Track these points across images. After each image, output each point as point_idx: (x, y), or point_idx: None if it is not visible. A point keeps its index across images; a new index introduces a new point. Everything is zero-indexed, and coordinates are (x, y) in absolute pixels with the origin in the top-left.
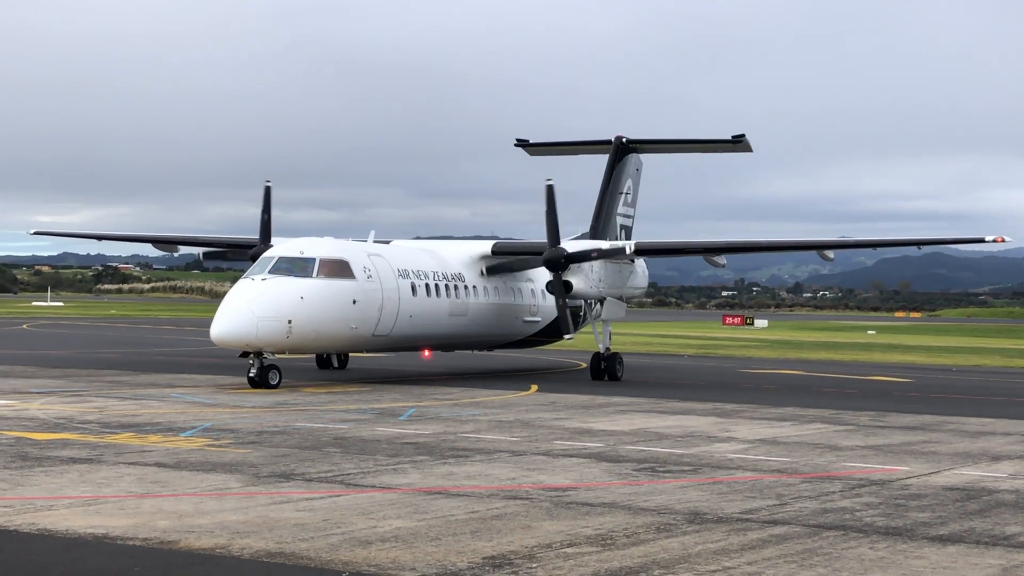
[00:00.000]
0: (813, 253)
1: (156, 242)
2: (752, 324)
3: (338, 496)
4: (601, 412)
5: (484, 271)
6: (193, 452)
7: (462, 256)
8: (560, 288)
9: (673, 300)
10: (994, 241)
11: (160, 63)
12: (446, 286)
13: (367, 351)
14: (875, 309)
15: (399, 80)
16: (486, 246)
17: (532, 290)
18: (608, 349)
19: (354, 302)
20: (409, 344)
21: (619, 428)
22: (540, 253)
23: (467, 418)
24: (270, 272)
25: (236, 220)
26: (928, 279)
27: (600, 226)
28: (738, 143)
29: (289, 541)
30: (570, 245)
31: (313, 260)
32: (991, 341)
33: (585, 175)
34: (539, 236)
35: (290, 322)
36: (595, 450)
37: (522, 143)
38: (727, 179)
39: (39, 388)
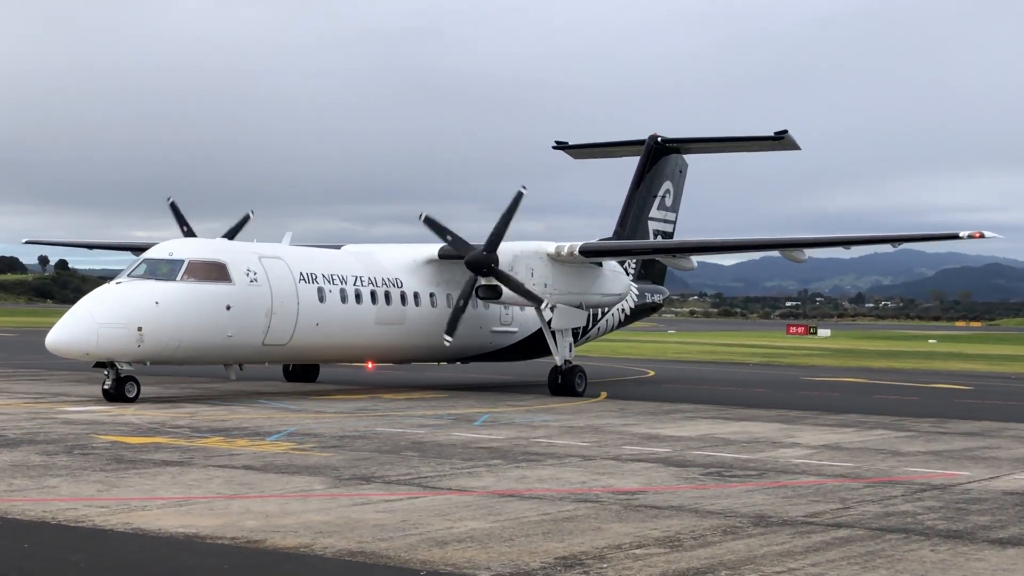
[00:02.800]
0: (877, 264)
1: (136, 250)
2: (815, 333)
3: (416, 498)
4: (668, 418)
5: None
6: (279, 455)
7: (403, 261)
8: (472, 293)
9: (738, 310)
10: (970, 236)
11: (249, 92)
12: (372, 292)
13: (265, 361)
14: (936, 319)
15: (477, 100)
16: (432, 249)
17: None
18: (568, 361)
19: (228, 308)
20: (323, 354)
21: (686, 434)
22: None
23: (539, 424)
24: (130, 275)
25: (323, 233)
26: (988, 290)
27: (626, 230)
28: (780, 139)
29: (369, 541)
30: (503, 248)
31: (181, 262)
32: None
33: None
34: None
35: (140, 329)
36: (663, 455)
37: (561, 145)
38: (785, 190)
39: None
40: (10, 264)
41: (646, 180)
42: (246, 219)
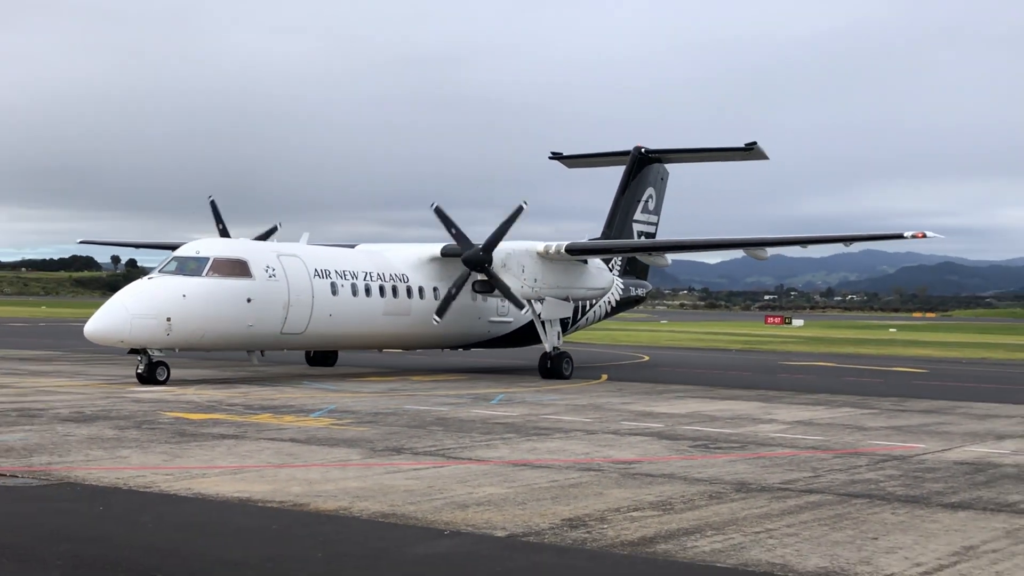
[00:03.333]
0: (844, 263)
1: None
2: (790, 323)
3: (440, 467)
4: (661, 398)
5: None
6: (320, 430)
7: (409, 258)
8: (464, 284)
9: (722, 303)
10: (913, 236)
11: (292, 105)
12: (380, 287)
13: (284, 348)
14: (896, 310)
15: (492, 118)
16: (435, 249)
17: None
18: (556, 348)
19: (249, 300)
20: (336, 342)
21: (677, 411)
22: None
23: (548, 403)
24: (161, 272)
25: (358, 237)
26: (942, 284)
27: (613, 231)
28: (750, 150)
29: (400, 504)
30: (501, 246)
31: (206, 259)
32: (996, 337)
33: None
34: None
35: (168, 320)
36: (656, 429)
37: (556, 156)
38: (762, 197)
39: (195, 377)
40: (86, 263)
41: (631, 186)
42: (274, 229)
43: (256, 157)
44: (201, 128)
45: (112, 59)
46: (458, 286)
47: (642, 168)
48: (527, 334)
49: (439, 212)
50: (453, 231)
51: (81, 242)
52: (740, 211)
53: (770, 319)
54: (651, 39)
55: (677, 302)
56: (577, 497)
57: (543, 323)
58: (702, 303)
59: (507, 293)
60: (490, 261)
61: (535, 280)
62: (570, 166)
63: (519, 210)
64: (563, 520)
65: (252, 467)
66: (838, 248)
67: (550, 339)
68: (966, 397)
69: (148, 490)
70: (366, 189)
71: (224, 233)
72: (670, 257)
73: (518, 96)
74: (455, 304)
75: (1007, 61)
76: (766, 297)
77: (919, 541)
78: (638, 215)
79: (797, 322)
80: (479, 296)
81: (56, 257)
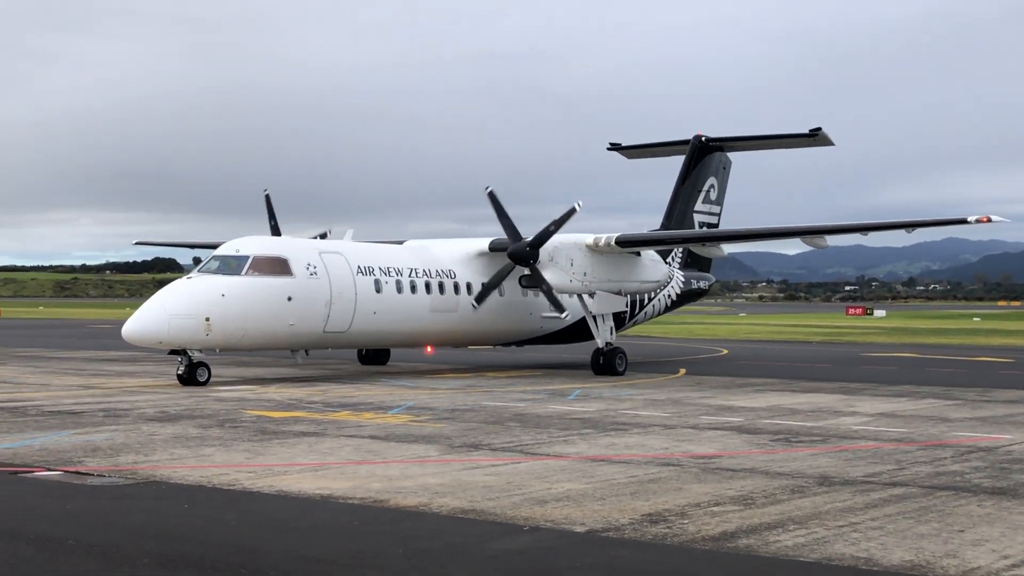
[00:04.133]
0: (928, 251)
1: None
2: (872, 314)
3: (518, 463)
4: (741, 391)
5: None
6: (399, 427)
7: (456, 253)
8: (506, 274)
9: (802, 294)
10: (977, 221)
11: (370, 105)
12: (427, 283)
13: (328, 347)
14: (979, 299)
15: (565, 112)
16: (483, 243)
17: None
18: (609, 344)
19: (289, 299)
20: (381, 340)
21: (756, 405)
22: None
23: (625, 397)
24: (201, 271)
25: (435, 232)
26: None
27: (672, 222)
28: (815, 136)
29: (479, 500)
30: (550, 239)
31: (246, 258)
32: None
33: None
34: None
35: (207, 320)
36: (736, 424)
37: (615, 147)
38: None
39: (275, 375)
40: (168, 264)
41: (691, 176)
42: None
43: (334, 157)
44: (282, 129)
45: (193, 63)
46: (500, 276)
47: (703, 157)
48: (582, 330)
49: (492, 198)
50: (504, 221)
51: (136, 243)
52: (812, 201)
53: (851, 310)
54: (733, 30)
55: (756, 294)
56: (656, 492)
57: (594, 318)
58: (781, 295)
59: (548, 293)
60: (536, 258)
61: (584, 274)
62: (629, 157)
63: (571, 211)
64: (643, 515)
65: (333, 464)
66: (920, 237)
67: (602, 334)
68: None
69: (231, 488)
70: (440, 187)
71: (275, 230)
72: (741, 247)
73: (592, 90)
74: (504, 299)
75: None
76: (847, 288)
77: (1006, 533)
78: (699, 205)
79: (879, 312)
80: (529, 292)
81: (139, 259)
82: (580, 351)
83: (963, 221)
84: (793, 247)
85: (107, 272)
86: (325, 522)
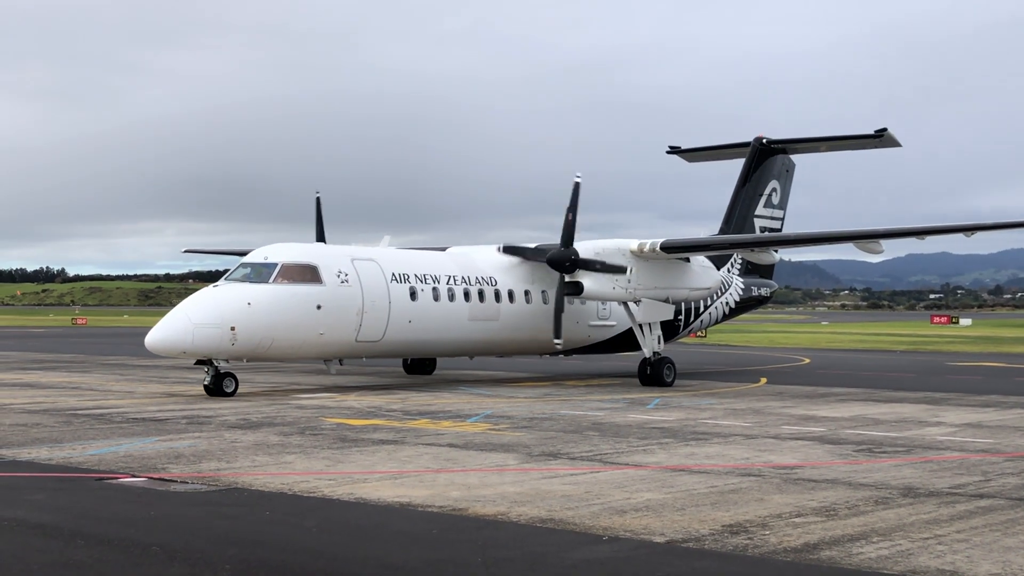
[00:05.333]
0: (1015, 258)
1: None
2: (957, 323)
3: (597, 472)
4: (823, 401)
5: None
6: (477, 435)
7: (497, 261)
8: (562, 289)
9: (886, 303)
10: None
11: (451, 114)
12: (465, 291)
13: (362, 356)
14: None
15: (642, 121)
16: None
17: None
18: (656, 353)
19: (319, 307)
20: (418, 349)
21: (839, 415)
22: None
23: (705, 407)
24: (228, 279)
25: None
26: None
27: (732, 228)
28: (880, 137)
29: (558, 509)
30: (584, 246)
31: (274, 265)
32: None
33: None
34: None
35: (233, 329)
36: (818, 434)
37: (675, 150)
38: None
39: (355, 383)
40: None
41: (752, 180)
42: (318, 202)
43: (417, 166)
44: (364, 140)
45: (278, 74)
46: (562, 296)
47: (764, 160)
48: (629, 339)
49: (576, 188)
50: (570, 217)
51: (185, 251)
52: (896, 206)
53: (936, 319)
54: (812, 33)
55: (838, 303)
56: (737, 503)
57: (640, 326)
58: (864, 303)
59: (605, 267)
60: (576, 255)
61: (628, 281)
62: (690, 160)
63: (576, 187)
64: (723, 526)
65: (411, 472)
66: (1007, 244)
67: (649, 343)
68: None
69: (311, 495)
70: (518, 196)
71: (320, 235)
72: (822, 255)
73: (669, 99)
74: (548, 307)
75: None
76: (931, 296)
77: None
78: (760, 210)
79: (964, 321)
80: (576, 299)
81: (222, 268)
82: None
83: (1022, 224)
84: (876, 255)
85: (190, 281)
86: (404, 530)
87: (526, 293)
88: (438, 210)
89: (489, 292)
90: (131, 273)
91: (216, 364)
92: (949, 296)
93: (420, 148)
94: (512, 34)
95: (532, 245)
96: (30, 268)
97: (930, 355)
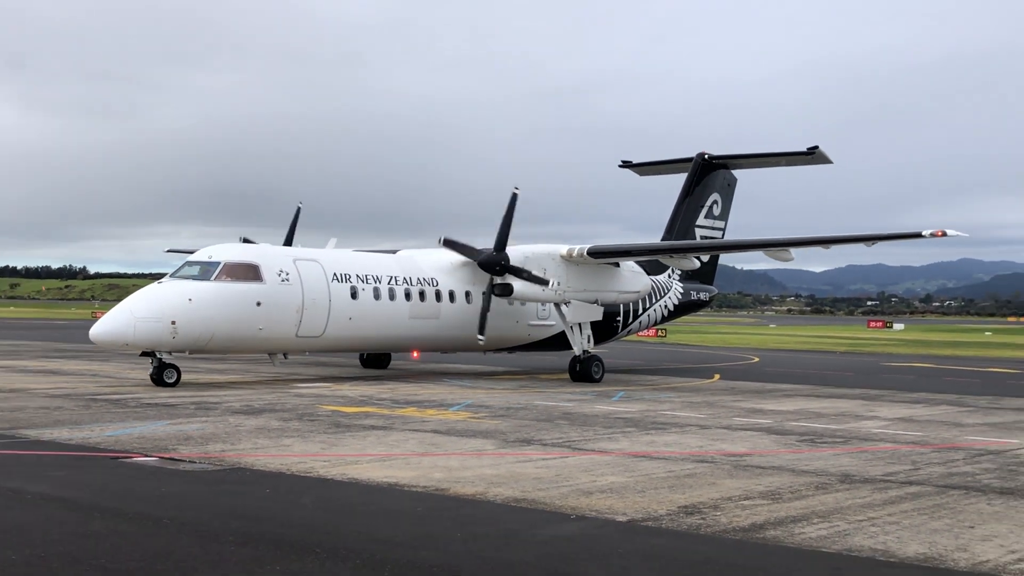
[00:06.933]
0: (943, 270)
1: None
2: (891, 327)
3: (567, 457)
4: (770, 396)
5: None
6: (459, 422)
7: (440, 263)
8: (490, 290)
9: (827, 308)
10: (932, 235)
11: (447, 134)
12: (406, 291)
13: (304, 351)
14: (991, 315)
15: (622, 140)
16: None
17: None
18: (586, 352)
19: (258, 304)
20: (359, 344)
21: (784, 408)
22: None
23: (664, 400)
24: (173, 276)
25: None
26: None
27: (674, 236)
28: (812, 154)
29: (530, 490)
30: (516, 251)
31: (217, 264)
32: None
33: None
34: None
35: (174, 323)
36: (765, 425)
37: (626, 164)
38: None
39: (350, 375)
40: None
41: (695, 192)
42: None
43: (412, 182)
44: (367, 155)
45: (289, 94)
46: (488, 297)
47: (707, 174)
48: (567, 338)
49: (513, 199)
50: (504, 226)
51: (168, 251)
52: (837, 222)
53: (872, 323)
54: (787, 60)
55: (785, 308)
56: (692, 486)
57: (571, 327)
58: (808, 309)
59: (531, 277)
60: (507, 260)
61: (558, 283)
62: (641, 174)
63: (514, 198)
64: (679, 507)
65: (399, 455)
66: (937, 257)
67: (578, 342)
68: None
69: (308, 475)
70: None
71: (289, 239)
72: (790, 266)
73: (649, 122)
74: (492, 308)
75: None
76: (868, 303)
77: (1014, 530)
78: (702, 220)
79: (898, 326)
80: (515, 300)
81: None
82: (631, 355)
83: (918, 235)
84: (819, 264)
85: None
86: (391, 507)
87: (467, 294)
88: (437, 217)
89: (430, 292)
90: (148, 272)
91: (159, 356)
92: (884, 303)
93: (418, 166)
94: (508, 58)
95: (479, 247)
96: (54, 266)
97: (867, 356)
